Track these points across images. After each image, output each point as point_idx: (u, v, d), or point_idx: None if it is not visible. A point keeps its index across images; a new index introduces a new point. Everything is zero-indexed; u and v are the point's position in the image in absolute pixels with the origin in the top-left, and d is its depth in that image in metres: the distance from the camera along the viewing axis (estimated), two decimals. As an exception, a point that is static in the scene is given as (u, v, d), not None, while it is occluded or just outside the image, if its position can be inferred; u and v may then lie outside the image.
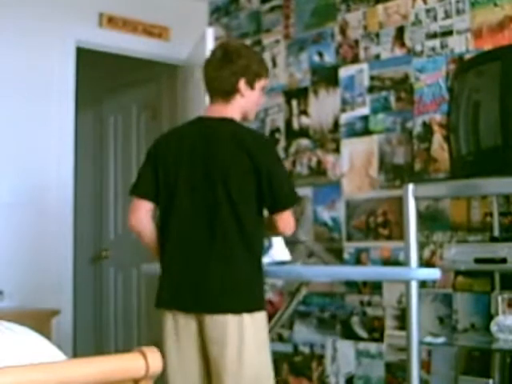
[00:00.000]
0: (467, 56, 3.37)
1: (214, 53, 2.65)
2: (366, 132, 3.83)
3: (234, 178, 2.46)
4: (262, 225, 2.56)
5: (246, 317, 2.42)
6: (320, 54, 4.10)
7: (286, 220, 2.53)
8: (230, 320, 2.41)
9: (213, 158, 2.50)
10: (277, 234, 2.65)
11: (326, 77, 4.05)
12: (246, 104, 2.60)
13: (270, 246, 2.84)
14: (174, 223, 2.53)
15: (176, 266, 2.53)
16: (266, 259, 2.75)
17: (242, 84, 2.56)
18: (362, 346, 3.78)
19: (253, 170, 2.45)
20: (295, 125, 4.20)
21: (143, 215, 2.61)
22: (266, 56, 4.40)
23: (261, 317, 2.48)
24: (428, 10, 3.59)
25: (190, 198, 2.50)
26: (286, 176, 2.63)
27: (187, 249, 2.50)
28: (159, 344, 2.40)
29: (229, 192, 2.45)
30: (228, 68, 2.56)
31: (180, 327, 2.50)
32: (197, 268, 2.48)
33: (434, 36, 3.56)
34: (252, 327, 2.43)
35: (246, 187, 2.46)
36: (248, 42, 4.52)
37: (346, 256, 3.87)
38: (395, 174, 3.69)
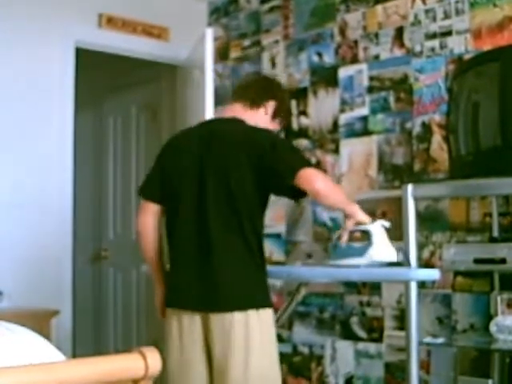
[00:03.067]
0: (466, 56, 3.37)
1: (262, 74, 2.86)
2: (366, 132, 3.83)
3: (237, 178, 2.46)
4: (263, 223, 2.56)
5: (252, 314, 2.42)
6: (319, 55, 4.10)
7: (307, 178, 2.34)
8: (237, 317, 2.41)
9: (216, 158, 2.51)
10: (321, 201, 2.43)
11: (326, 77, 4.05)
12: (262, 121, 2.67)
13: (370, 244, 2.40)
14: (179, 224, 2.56)
15: (182, 266, 2.54)
16: (363, 260, 2.42)
17: (270, 105, 2.69)
18: (361, 346, 3.78)
19: (253, 163, 2.44)
20: (294, 125, 4.20)
21: (148, 218, 2.65)
22: (266, 56, 4.40)
23: (267, 314, 2.47)
24: (427, 11, 3.59)
25: (193, 201, 2.52)
26: (292, 150, 2.55)
27: (192, 250, 2.51)
28: (159, 344, 2.40)
29: (231, 192, 2.46)
30: (269, 86, 2.76)
31: (184, 327, 2.50)
32: (202, 268, 2.48)
33: (433, 36, 3.56)
34: (258, 324, 2.43)
35: (249, 187, 2.46)
36: (247, 42, 4.53)
37: (345, 256, 3.86)
38: (394, 174, 3.69)
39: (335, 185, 2.49)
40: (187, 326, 2.49)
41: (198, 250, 2.50)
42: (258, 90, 2.71)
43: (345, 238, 2.44)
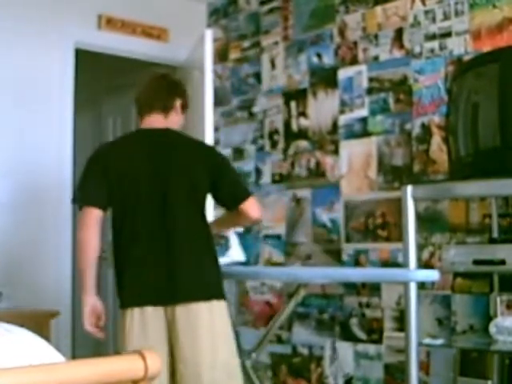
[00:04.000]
0: (466, 57, 3.37)
1: (153, 75, 3.02)
2: (365, 133, 3.83)
3: (192, 180, 2.69)
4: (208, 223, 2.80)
5: (215, 303, 2.61)
6: (319, 56, 4.11)
7: (253, 205, 2.78)
8: (202, 307, 2.56)
9: (172, 162, 2.70)
10: (244, 224, 2.98)
11: (325, 78, 4.05)
12: (177, 122, 2.91)
13: (228, 246, 2.97)
14: (138, 223, 2.65)
15: (144, 264, 2.63)
16: (224, 259, 2.90)
17: (178, 103, 2.88)
18: (360, 347, 3.78)
19: (207, 172, 2.72)
20: (294, 126, 4.20)
21: (94, 227, 2.70)
22: (265, 57, 4.40)
23: (225, 305, 2.66)
24: (427, 12, 3.59)
25: (157, 200, 2.66)
26: (237, 173, 3.02)
27: (153, 247, 2.63)
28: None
29: (189, 193, 2.67)
30: (167, 87, 2.91)
31: (148, 322, 2.57)
32: (165, 264, 2.60)
33: (432, 37, 3.56)
34: (220, 314, 2.62)
35: (203, 188, 2.72)
36: (247, 43, 4.53)
37: (344, 257, 3.87)
38: (394, 175, 3.69)
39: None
40: (151, 321, 2.57)
41: (162, 246, 2.62)
42: (163, 96, 2.86)
43: None
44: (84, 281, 2.76)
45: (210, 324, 2.57)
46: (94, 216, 2.67)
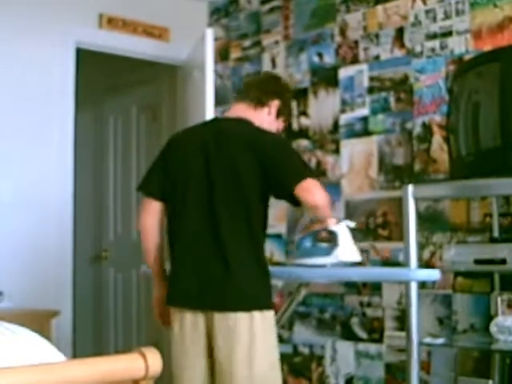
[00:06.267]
0: (467, 57, 3.37)
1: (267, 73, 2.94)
2: (366, 133, 3.83)
3: (242, 176, 2.47)
4: (265, 225, 2.58)
5: (256, 315, 2.42)
6: (320, 55, 4.10)
7: (309, 188, 2.39)
8: (241, 317, 2.40)
9: (224, 159, 2.51)
10: (315, 215, 2.53)
11: (326, 77, 4.05)
12: (266, 121, 2.69)
13: (336, 244, 2.52)
14: (184, 222, 2.55)
15: (186, 264, 2.53)
16: (329, 259, 2.53)
17: (274, 104, 2.71)
18: (361, 346, 3.78)
19: (258, 164, 2.45)
20: (295, 125, 4.20)
21: (151, 216, 2.63)
22: (266, 57, 4.40)
23: (270, 316, 2.47)
24: (427, 11, 3.59)
25: (200, 198, 2.52)
26: (297, 157, 2.56)
27: (197, 248, 2.51)
28: (159, 344, 2.40)
29: (238, 191, 2.47)
30: (273, 85, 2.76)
31: (186, 325, 2.49)
32: (207, 267, 2.48)
33: (433, 37, 3.56)
34: (262, 325, 2.43)
35: (256, 189, 2.47)
36: (248, 42, 4.53)
37: (345, 257, 3.86)
38: (395, 174, 3.69)
39: (328, 197, 2.51)
40: (189, 325, 2.49)
41: (206, 248, 2.49)
42: (262, 89, 2.71)
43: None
44: (152, 272, 2.69)
45: (248, 336, 2.40)
46: (152, 206, 2.62)
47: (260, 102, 2.68)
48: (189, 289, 2.51)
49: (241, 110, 2.67)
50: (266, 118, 2.69)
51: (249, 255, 2.47)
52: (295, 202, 2.46)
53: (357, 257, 2.52)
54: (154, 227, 2.63)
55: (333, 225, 2.50)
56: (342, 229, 2.51)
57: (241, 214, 2.47)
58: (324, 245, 2.55)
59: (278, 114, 2.73)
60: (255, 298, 2.46)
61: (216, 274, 2.46)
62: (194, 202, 2.52)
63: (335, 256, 2.51)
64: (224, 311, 2.42)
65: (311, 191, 2.39)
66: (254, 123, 2.62)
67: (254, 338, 2.40)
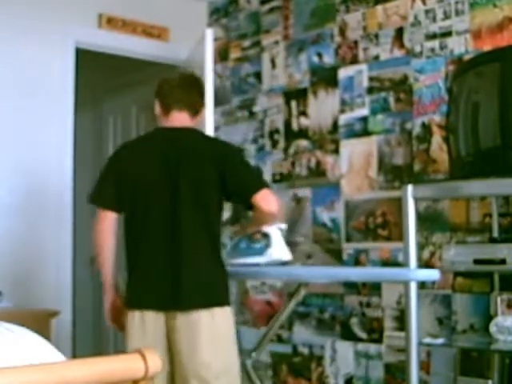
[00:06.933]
0: (466, 57, 3.37)
1: (184, 74, 3.05)
2: (366, 133, 3.83)
3: (203, 185, 2.63)
4: (222, 227, 2.74)
5: (217, 311, 2.57)
6: (319, 55, 4.10)
7: (266, 198, 2.61)
8: (202, 314, 2.53)
9: (180, 165, 2.64)
10: (266, 220, 2.72)
11: (326, 78, 4.05)
12: (199, 125, 2.93)
13: (269, 244, 2.77)
14: (146, 231, 2.66)
15: (149, 269, 2.64)
16: (262, 259, 2.76)
17: (203, 108, 2.92)
18: (361, 346, 3.78)
19: (218, 173, 2.63)
20: (294, 126, 4.20)
21: (106, 226, 2.73)
22: (266, 57, 4.40)
23: (230, 311, 2.62)
24: (427, 11, 3.59)
25: (162, 207, 2.64)
26: (253, 168, 2.90)
27: (159, 253, 2.62)
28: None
29: (196, 197, 2.61)
30: (197, 90, 2.88)
31: (149, 327, 2.58)
32: (168, 270, 2.59)
33: (433, 37, 3.56)
34: (223, 320, 2.58)
35: (214, 194, 2.64)
36: (247, 42, 4.53)
37: (345, 257, 3.87)
38: (394, 174, 3.69)
39: (280, 204, 2.73)
40: (151, 325, 2.58)
41: (168, 253, 2.61)
42: (197, 98, 2.85)
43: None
44: (103, 280, 2.82)
45: (211, 333, 2.54)
46: (107, 218, 2.71)
47: (196, 112, 2.84)
48: (152, 291, 2.61)
49: (184, 120, 2.80)
50: (199, 122, 2.89)
51: (209, 258, 2.62)
52: (250, 206, 2.67)
53: (287, 256, 2.79)
54: (109, 237, 2.74)
55: (267, 227, 2.77)
56: (274, 231, 2.78)
57: (201, 220, 2.62)
58: (258, 245, 2.78)
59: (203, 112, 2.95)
60: (216, 295, 2.60)
61: (177, 275, 2.57)
62: (157, 211, 2.64)
63: (268, 255, 2.76)
64: (186, 310, 2.53)
65: (268, 200, 2.61)
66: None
67: (216, 335, 2.54)
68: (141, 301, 2.63)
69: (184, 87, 2.85)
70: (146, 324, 2.58)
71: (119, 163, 2.77)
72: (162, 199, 2.64)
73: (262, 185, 2.68)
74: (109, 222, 2.71)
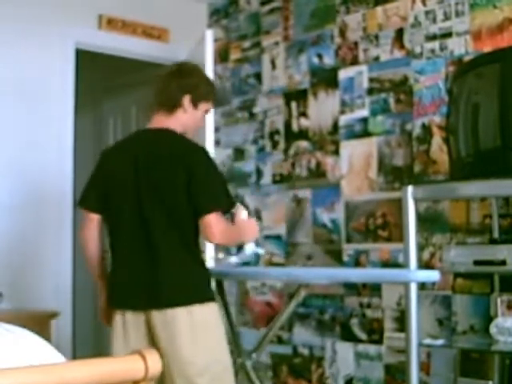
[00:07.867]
0: (466, 58, 3.37)
1: (169, 68, 2.81)
2: (366, 134, 3.83)
3: (171, 187, 2.57)
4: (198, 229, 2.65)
5: (196, 308, 2.53)
6: (319, 56, 4.10)
7: (210, 225, 2.50)
8: (178, 312, 2.51)
9: (152, 170, 2.61)
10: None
11: (326, 79, 4.05)
12: (186, 121, 2.72)
13: (241, 248, 2.90)
14: (121, 232, 2.67)
15: (124, 270, 2.66)
16: (235, 259, 2.88)
17: (186, 100, 2.68)
18: (361, 347, 3.78)
19: (186, 177, 2.54)
20: (294, 127, 4.20)
21: (90, 228, 2.75)
22: (266, 58, 4.40)
23: (212, 307, 2.59)
24: (427, 12, 3.59)
25: (133, 208, 2.63)
26: (218, 181, 2.62)
27: (133, 254, 2.63)
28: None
29: (166, 201, 2.58)
30: (176, 82, 2.68)
31: (129, 326, 2.60)
32: (142, 270, 2.60)
33: (433, 38, 3.56)
34: (203, 317, 2.54)
35: (182, 195, 2.55)
36: (247, 43, 4.53)
37: (345, 258, 3.87)
38: (394, 175, 3.69)
39: (232, 233, 2.67)
40: (132, 325, 2.59)
41: (141, 254, 2.60)
42: (168, 92, 2.69)
43: None
44: (95, 280, 2.83)
45: (190, 330, 2.51)
46: (91, 220, 2.73)
47: (171, 106, 2.68)
48: (128, 291, 2.63)
49: (161, 121, 2.71)
50: (184, 119, 2.71)
51: (182, 256, 2.59)
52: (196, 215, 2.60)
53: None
54: (94, 238, 2.76)
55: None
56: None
57: (171, 220, 2.57)
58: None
59: (195, 104, 2.70)
60: (194, 292, 2.58)
61: (151, 275, 2.57)
62: (128, 212, 2.63)
63: (241, 256, 2.90)
64: (161, 308, 2.52)
65: (210, 230, 2.51)
66: (176, 130, 2.67)
67: (195, 333, 2.51)
68: (120, 301, 2.65)
69: (164, 81, 2.72)
70: (127, 324, 2.60)
71: (102, 165, 2.78)
72: (131, 201, 2.62)
73: (213, 207, 2.53)
74: (93, 225, 2.73)
